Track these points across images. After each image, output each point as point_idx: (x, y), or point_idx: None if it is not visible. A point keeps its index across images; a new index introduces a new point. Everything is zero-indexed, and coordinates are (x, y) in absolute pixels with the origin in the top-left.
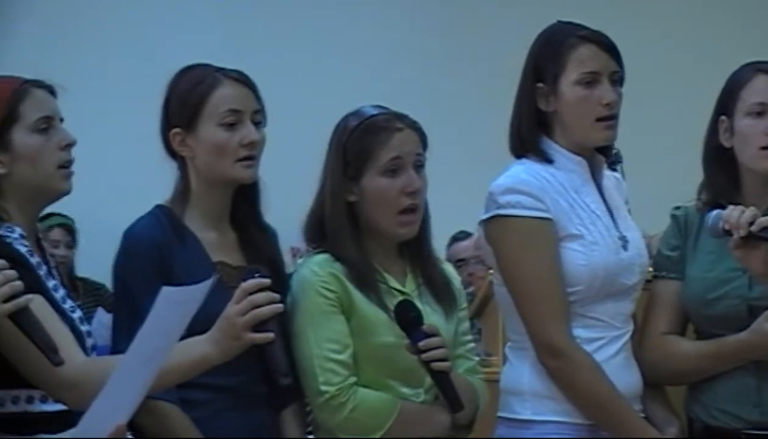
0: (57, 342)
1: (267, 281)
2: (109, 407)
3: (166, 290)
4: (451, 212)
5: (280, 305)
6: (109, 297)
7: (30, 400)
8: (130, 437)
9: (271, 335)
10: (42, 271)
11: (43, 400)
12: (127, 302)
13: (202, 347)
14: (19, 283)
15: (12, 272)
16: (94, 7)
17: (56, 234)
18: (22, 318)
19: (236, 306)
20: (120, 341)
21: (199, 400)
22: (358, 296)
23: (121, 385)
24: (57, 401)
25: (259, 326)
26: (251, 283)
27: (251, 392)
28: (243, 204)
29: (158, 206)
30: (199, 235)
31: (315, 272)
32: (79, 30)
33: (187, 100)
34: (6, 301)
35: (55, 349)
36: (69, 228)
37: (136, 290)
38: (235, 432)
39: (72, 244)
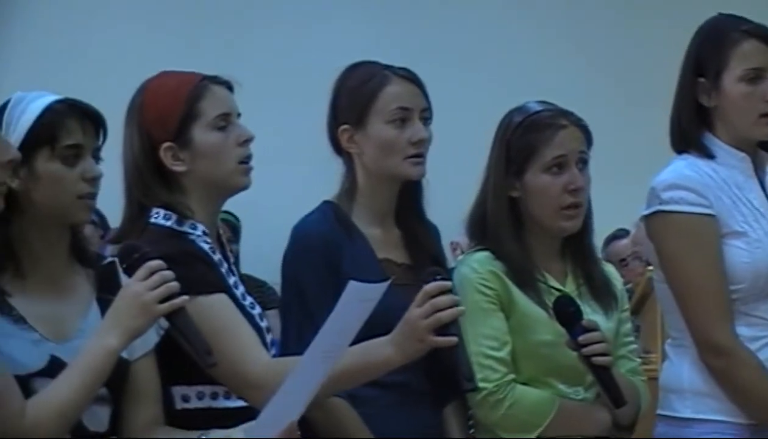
0: (244, 342)
1: (449, 284)
2: (285, 404)
3: (353, 285)
4: (605, 210)
5: (462, 308)
6: (271, 295)
7: (214, 396)
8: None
9: (455, 338)
10: (223, 268)
11: (227, 396)
12: (298, 298)
13: (384, 349)
14: (175, 283)
15: (169, 273)
16: (262, 8)
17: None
18: (177, 319)
19: (419, 309)
20: (289, 337)
21: (366, 396)
22: (517, 293)
23: (298, 382)
24: (240, 398)
25: (440, 329)
26: (433, 286)
27: (415, 389)
28: (407, 201)
29: (326, 202)
30: (365, 231)
31: (475, 270)
32: (247, 30)
33: (356, 97)
34: (163, 301)
35: (209, 351)
36: (231, 223)
37: (307, 286)
38: (400, 429)
39: (234, 239)
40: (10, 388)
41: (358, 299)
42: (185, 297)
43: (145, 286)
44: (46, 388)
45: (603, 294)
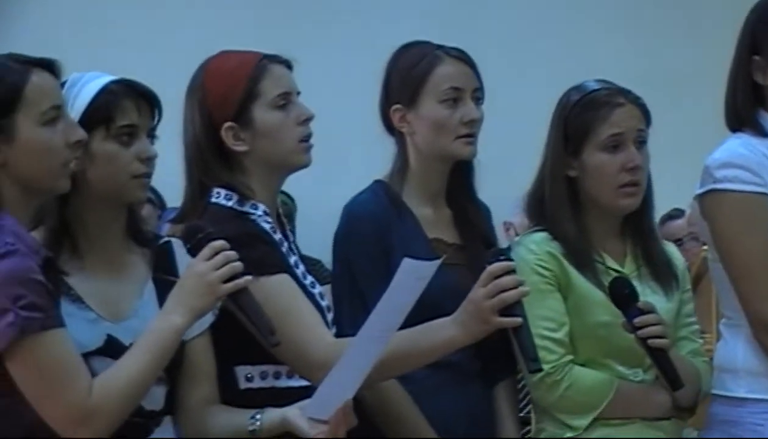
0: (307, 322)
1: (513, 264)
2: (340, 383)
3: (407, 262)
4: (660, 190)
5: (527, 289)
6: (323, 271)
7: (277, 375)
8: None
9: (519, 319)
10: (284, 247)
11: (290, 375)
12: (349, 277)
13: (448, 329)
14: (239, 264)
15: (232, 253)
16: None
17: None
18: (241, 299)
19: (483, 289)
20: (341, 316)
21: (416, 376)
22: (575, 274)
23: (352, 361)
24: (303, 378)
25: (505, 310)
26: (497, 266)
27: (466, 369)
28: (458, 181)
29: (377, 182)
30: (415, 211)
31: (532, 251)
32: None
33: (408, 76)
34: (226, 281)
35: (272, 331)
36: (286, 205)
37: (358, 265)
38: (450, 408)
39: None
40: (78, 366)
41: (413, 276)
42: (249, 277)
43: (209, 265)
44: (111, 367)
45: (663, 274)
